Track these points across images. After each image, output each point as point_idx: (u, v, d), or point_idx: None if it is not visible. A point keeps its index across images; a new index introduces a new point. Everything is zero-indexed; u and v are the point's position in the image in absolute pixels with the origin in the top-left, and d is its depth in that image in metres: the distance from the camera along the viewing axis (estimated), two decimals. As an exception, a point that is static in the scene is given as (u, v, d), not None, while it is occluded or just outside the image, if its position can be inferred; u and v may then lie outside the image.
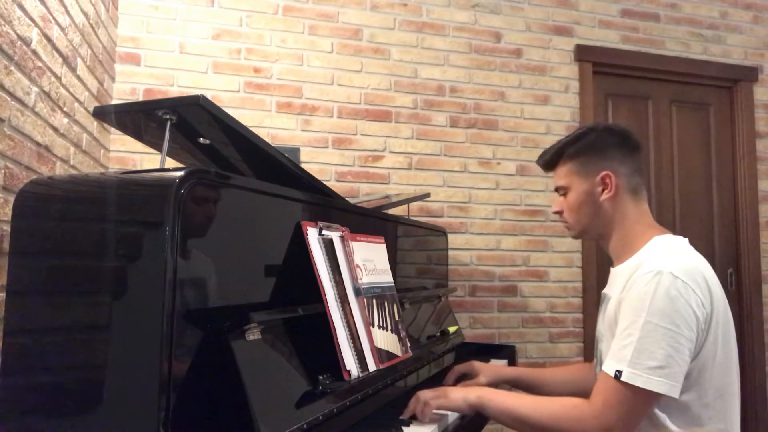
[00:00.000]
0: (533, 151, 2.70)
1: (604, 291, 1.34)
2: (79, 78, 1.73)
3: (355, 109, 2.49)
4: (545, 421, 1.15)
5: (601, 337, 1.29)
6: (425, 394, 1.23)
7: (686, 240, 1.25)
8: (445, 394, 1.23)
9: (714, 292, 1.15)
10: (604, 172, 1.27)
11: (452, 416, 1.30)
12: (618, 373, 1.08)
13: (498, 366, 1.58)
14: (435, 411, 1.23)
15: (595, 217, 1.29)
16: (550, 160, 1.37)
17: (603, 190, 1.27)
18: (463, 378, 1.54)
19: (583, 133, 1.33)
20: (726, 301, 1.19)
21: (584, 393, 1.39)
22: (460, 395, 1.22)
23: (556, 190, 1.37)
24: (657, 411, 1.12)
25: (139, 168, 2.15)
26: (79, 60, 1.72)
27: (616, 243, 1.30)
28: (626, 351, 1.09)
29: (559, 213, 1.37)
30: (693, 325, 1.09)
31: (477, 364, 1.53)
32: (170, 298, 0.82)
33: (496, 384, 1.50)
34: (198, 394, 0.85)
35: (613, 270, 1.32)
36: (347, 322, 1.18)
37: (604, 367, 1.13)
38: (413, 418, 1.22)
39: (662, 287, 1.08)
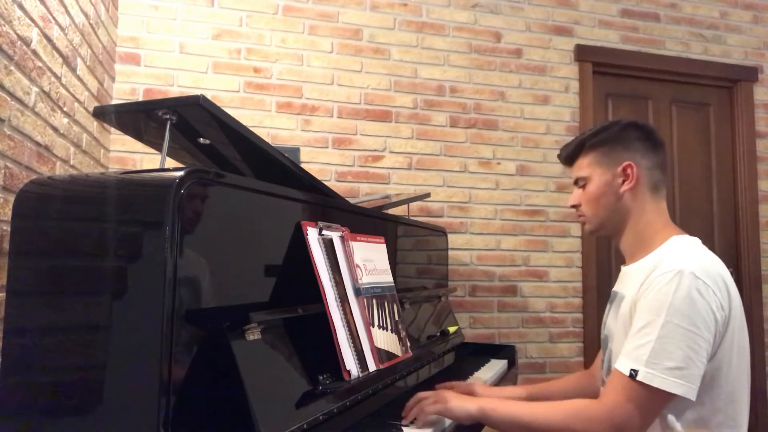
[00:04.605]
0: (533, 151, 2.70)
1: (615, 289, 1.32)
2: (79, 78, 1.73)
3: (355, 109, 2.49)
4: (554, 425, 1.12)
5: (612, 336, 1.26)
6: (425, 398, 1.21)
7: (700, 241, 1.23)
8: (445, 400, 1.19)
9: (732, 295, 1.13)
10: (626, 163, 1.24)
11: (451, 417, 1.29)
12: (633, 372, 1.06)
13: (497, 389, 1.53)
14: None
15: (614, 210, 1.27)
16: (571, 153, 1.34)
17: (624, 182, 1.25)
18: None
19: (606, 126, 1.31)
20: (742, 305, 1.17)
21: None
22: (460, 405, 1.18)
23: (576, 182, 1.34)
24: (666, 412, 1.10)
25: (139, 168, 2.15)
26: (79, 60, 1.72)
27: (630, 240, 1.28)
28: (643, 350, 1.06)
29: (576, 206, 1.34)
30: (712, 326, 1.07)
31: (478, 387, 1.45)
32: (170, 298, 0.82)
33: None
34: (198, 394, 0.85)
35: (625, 268, 1.30)
36: (347, 322, 1.18)
37: (617, 366, 1.11)
38: (413, 422, 1.21)
39: (683, 287, 1.06)
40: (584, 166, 1.31)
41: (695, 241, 1.22)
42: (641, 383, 1.05)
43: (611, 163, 1.26)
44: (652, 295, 1.10)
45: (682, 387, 1.04)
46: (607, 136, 1.28)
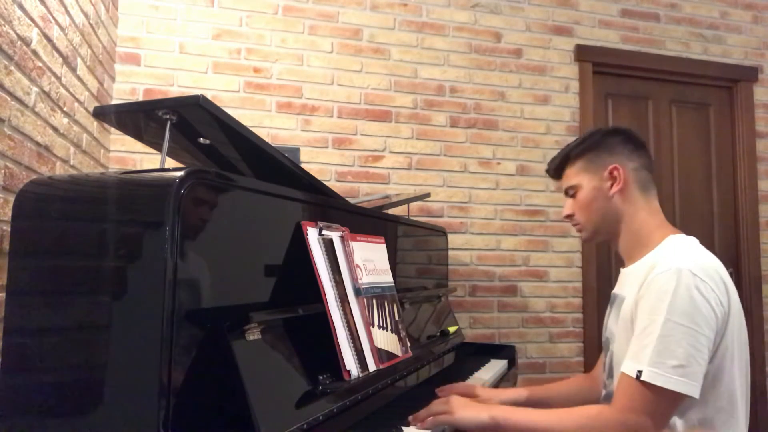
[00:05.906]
0: (533, 151, 2.70)
1: (615, 291, 1.32)
2: (79, 78, 1.73)
3: (355, 109, 2.49)
4: None
5: (613, 338, 1.27)
6: (436, 407, 1.19)
7: (697, 240, 1.24)
8: (455, 409, 1.18)
9: (730, 292, 1.14)
10: (612, 166, 1.28)
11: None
12: (639, 373, 1.07)
13: (498, 390, 1.52)
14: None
15: (606, 213, 1.29)
16: (558, 165, 1.38)
17: (612, 184, 1.28)
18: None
19: (588, 135, 1.36)
20: (740, 302, 1.17)
21: (590, 404, 1.37)
22: (472, 414, 1.17)
23: (566, 192, 1.37)
24: None
25: (139, 168, 2.15)
26: (79, 60, 1.72)
27: (627, 241, 1.29)
28: (646, 350, 1.07)
29: (570, 216, 1.36)
30: (712, 323, 1.08)
31: (478, 389, 1.44)
32: (170, 298, 0.82)
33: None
34: (198, 394, 0.85)
35: (624, 270, 1.31)
36: (347, 322, 1.18)
37: (623, 368, 1.11)
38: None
39: (682, 285, 1.07)
40: (572, 175, 1.34)
41: (692, 240, 1.23)
42: (646, 383, 1.06)
43: (598, 168, 1.30)
44: (652, 295, 1.10)
45: (686, 385, 1.05)
46: (591, 143, 1.33)
